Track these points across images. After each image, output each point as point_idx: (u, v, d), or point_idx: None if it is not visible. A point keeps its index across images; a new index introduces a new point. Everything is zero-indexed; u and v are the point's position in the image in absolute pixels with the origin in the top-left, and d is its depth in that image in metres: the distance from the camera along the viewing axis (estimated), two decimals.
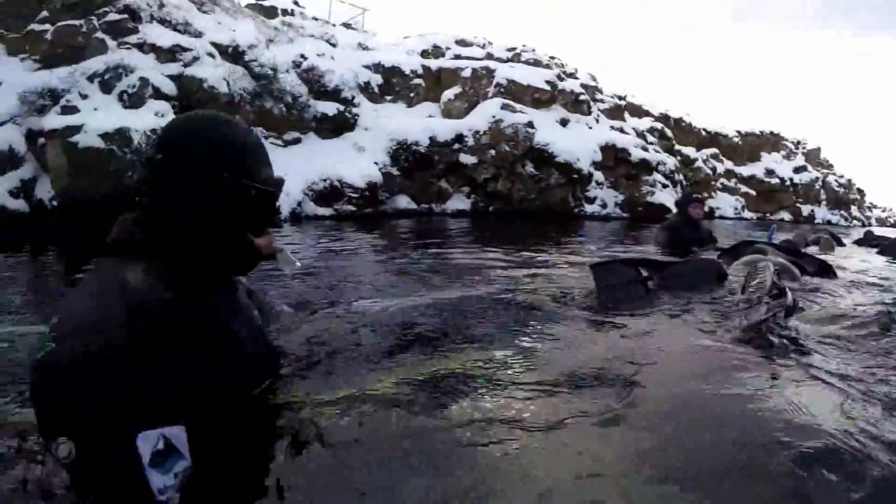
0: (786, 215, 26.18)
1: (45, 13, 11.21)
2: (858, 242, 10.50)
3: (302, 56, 14.14)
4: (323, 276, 4.20)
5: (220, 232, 1.27)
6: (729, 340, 2.45)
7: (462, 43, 19.96)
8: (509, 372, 1.84)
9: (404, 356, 1.93)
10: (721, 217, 22.71)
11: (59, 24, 10.78)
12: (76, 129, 8.89)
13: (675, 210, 7.60)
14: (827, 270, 4.72)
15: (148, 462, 0.97)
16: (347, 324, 2.27)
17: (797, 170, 27.99)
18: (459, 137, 14.97)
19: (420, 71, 17.22)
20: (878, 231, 14.88)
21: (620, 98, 20.61)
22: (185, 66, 11.41)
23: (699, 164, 22.79)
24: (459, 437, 1.37)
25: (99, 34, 10.89)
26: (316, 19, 19.47)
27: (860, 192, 36.84)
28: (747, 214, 24.45)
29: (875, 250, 8.69)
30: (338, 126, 14.11)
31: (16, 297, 4.08)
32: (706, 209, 22.78)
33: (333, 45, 16.44)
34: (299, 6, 19.32)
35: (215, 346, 1.23)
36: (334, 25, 19.81)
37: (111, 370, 1.01)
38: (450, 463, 1.28)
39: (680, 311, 3.02)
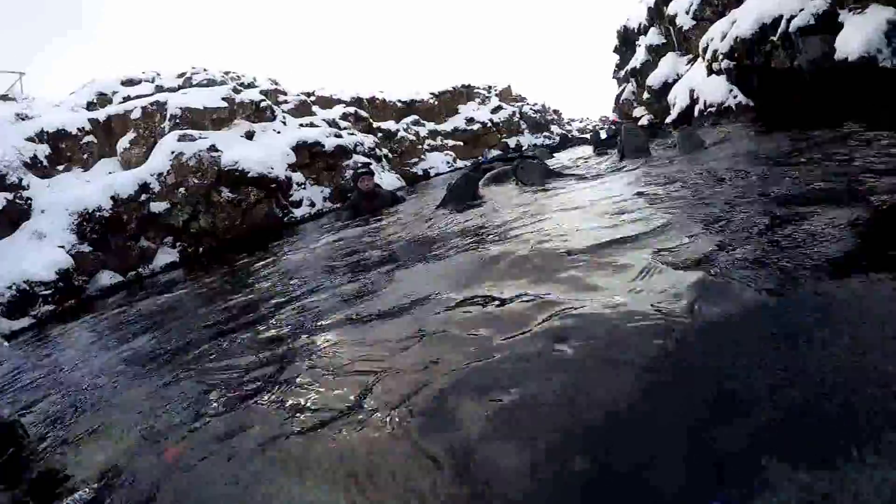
0: (496, 151, 29.20)
1: None
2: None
3: None
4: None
5: None
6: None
7: (129, 82, 18.87)
8: None
9: None
10: (438, 174, 24.65)
11: None
12: None
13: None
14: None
15: None
16: None
17: (494, 110, 31.27)
18: (144, 186, 14.05)
19: (88, 126, 15.83)
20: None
21: (308, 94, 21.31)
22: None
23: (402, 133, 24.45)
24: None
25: None
26: None
27: (556, 112, 42.07)
28: (460, 164, 26.89)
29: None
30: (12, 219, 12.15)
31: None
32: (418, 172, 24.57)
33: None
34: None
35: None
36: None
37: None
38: None
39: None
